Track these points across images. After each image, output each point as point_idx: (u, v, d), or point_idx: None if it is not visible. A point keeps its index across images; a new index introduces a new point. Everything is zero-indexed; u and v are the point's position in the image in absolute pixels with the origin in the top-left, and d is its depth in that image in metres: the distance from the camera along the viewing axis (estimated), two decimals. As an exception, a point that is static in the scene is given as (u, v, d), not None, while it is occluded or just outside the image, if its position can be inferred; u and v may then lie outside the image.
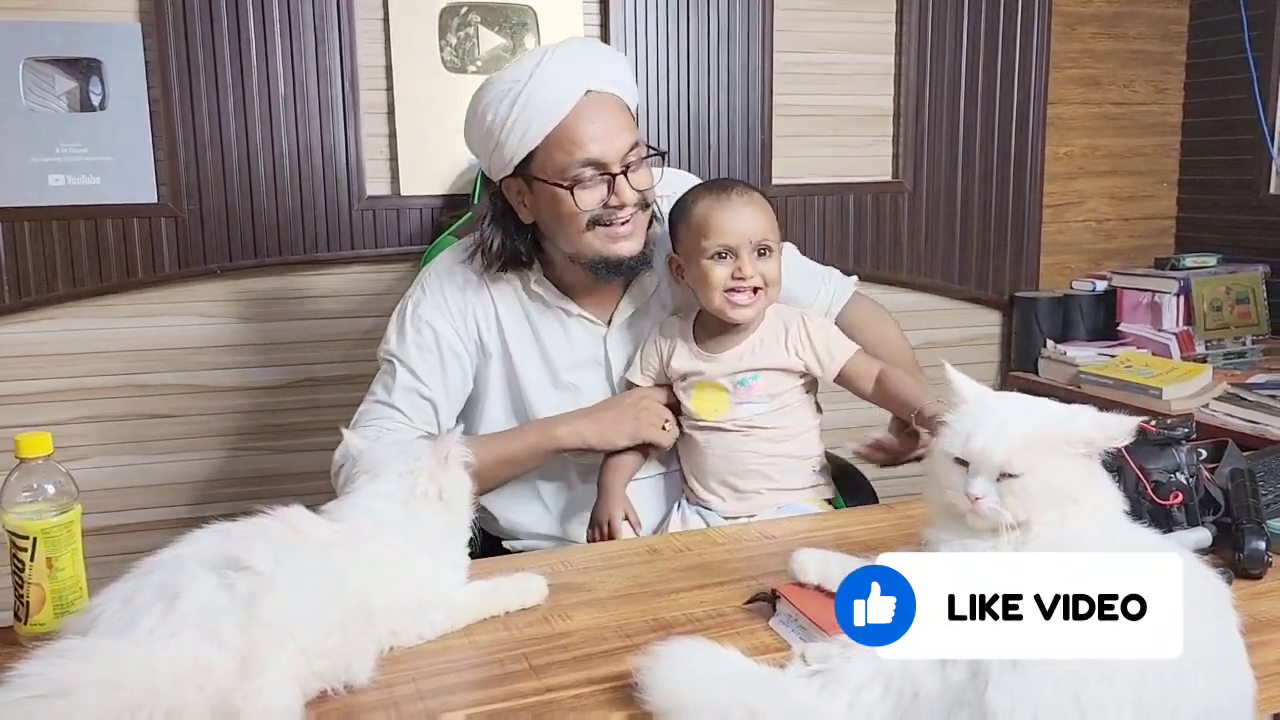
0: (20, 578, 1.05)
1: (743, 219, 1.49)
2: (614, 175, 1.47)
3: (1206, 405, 2.34)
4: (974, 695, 0.79)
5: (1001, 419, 0.97)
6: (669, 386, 1.58)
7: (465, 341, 1.58)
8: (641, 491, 1.61)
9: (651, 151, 1.54)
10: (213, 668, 0.82)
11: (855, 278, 1.79)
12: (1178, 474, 1.26)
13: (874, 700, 0.84)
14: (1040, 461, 0.94)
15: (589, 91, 1.45)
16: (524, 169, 1.48)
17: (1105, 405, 2.43)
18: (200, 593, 0.87)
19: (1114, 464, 1.30)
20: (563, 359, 1.59)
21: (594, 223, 1.48)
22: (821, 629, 0.99)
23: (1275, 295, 2.78)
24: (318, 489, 1.10)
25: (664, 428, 1.55)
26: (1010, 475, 0.94)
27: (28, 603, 1.05)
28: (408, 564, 1.05)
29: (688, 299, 1.60)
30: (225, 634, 0.85)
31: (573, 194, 1.46)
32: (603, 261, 1.51)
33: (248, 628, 0.85)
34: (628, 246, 1.51)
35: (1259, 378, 2.45)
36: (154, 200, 2.27)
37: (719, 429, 1.53)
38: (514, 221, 1.54)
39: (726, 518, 1.52)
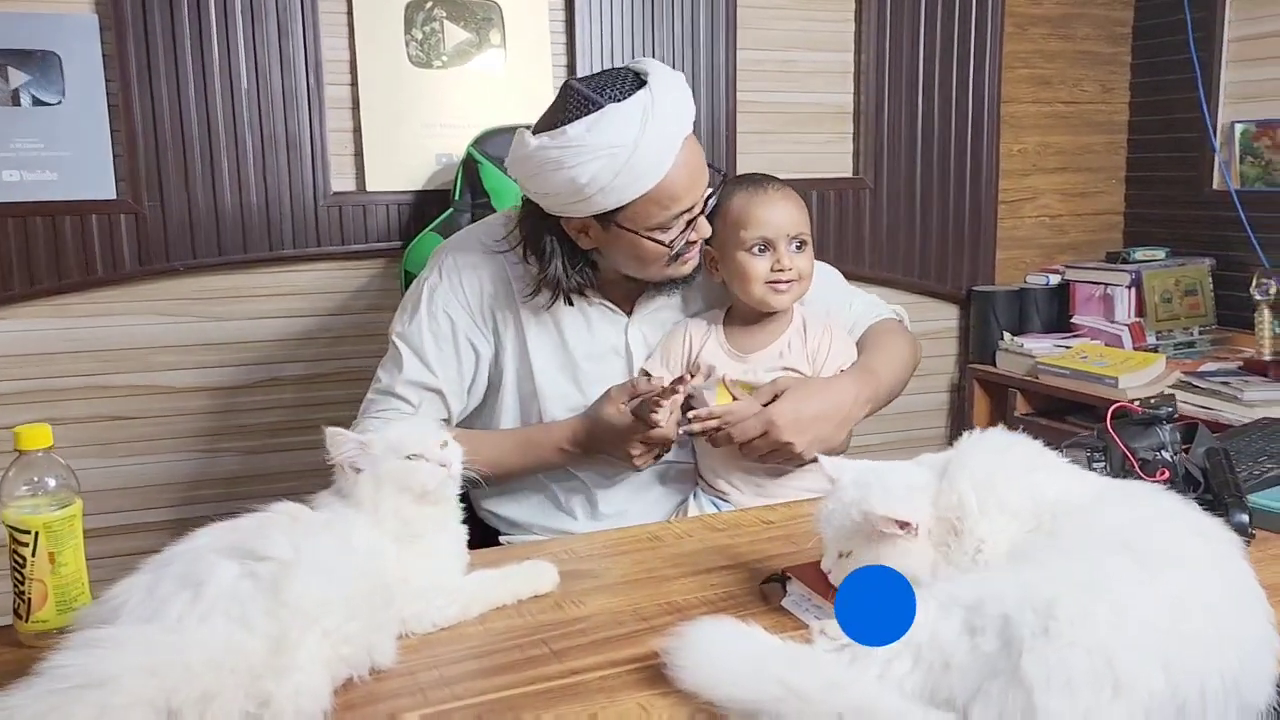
0: (21, 574, 1.02)
1: (780, 212, 1.53)
2: (695, 216, 1.48)
3: (1161, 393, 2.41)
4: (1008, 664, 0.80)
5: (838, 503, 1.03)
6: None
7: (483, 330, 1.56)
8: (652, 482, 1.62)
9: (720, 176, 1.53)
10: (244, 651, 0.81)
11: (900, 308, 1.81)
12: (1162, 451, 1.30)
13: (904, 672, 0.85)
14: (857, 542, 1.01)
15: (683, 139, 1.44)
16: (605, 215, 1.44)
17: (1063, 395, 2.54)
18: (224, 580, 0.86)
19: (1101, 443, 1.34)
20: (581, 348, 1.58)
21: (672, 257, 1.49)
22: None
23: (1221, 287, 2.87)
24: (286, 491, 1.06)
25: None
26: (844, 554, 1.02)
27: (29, 599, 1.02)
28: (394, 551, 1.04)
29: (716, 292, 1.62)
30: (254, 619, 0.84)
31: (669, 246, 1.46)
32: (668, 280, 1.55)
33: (275, 613, 0.85)
34: (690, 266, 1.54)
35: (1209, 366, 2.53)
36: (113, 196, 2.22)
37: None
38: (570, 246, 1.51)
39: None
